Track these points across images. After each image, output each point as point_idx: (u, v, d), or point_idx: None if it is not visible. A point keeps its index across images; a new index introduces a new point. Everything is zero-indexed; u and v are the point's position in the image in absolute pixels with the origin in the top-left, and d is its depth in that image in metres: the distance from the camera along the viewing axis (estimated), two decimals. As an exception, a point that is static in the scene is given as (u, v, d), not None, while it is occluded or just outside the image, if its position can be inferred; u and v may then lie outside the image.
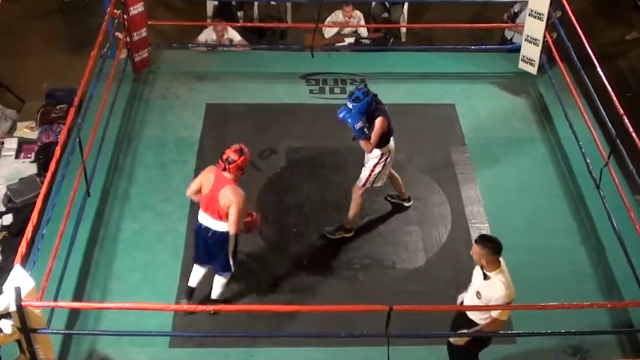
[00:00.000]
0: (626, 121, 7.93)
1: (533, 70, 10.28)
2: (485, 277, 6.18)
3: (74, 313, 7.11)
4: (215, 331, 6.92)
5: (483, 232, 8.00)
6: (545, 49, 10.08)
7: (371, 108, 7.44)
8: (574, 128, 9.04)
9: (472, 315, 6.32)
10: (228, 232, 6.82)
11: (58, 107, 10.24)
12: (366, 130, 7.41)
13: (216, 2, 12.18)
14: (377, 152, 7.69)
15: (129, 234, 8.01)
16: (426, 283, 7.61)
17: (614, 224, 7.98)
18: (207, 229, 6.91)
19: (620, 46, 12.90)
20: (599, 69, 8.60)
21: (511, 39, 11.03)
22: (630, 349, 7.04)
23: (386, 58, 10.82)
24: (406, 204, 8.47)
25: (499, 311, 6.14)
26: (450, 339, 6.48)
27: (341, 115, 7.42)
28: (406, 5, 12.06)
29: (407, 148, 9.01)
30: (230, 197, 6.73)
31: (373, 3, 12.13)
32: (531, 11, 9.96)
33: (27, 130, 10.06)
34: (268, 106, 9.73)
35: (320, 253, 7.88)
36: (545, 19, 9.84)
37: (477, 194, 8.56)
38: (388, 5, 12.06)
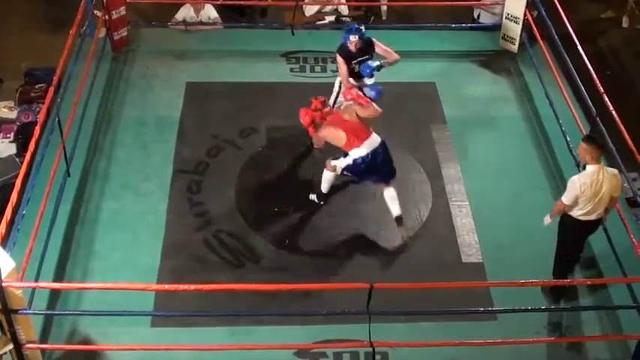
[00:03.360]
0: (606, 99, 7.97)
1: (514, 49, 10.30)
2: (583, 168, 7.01)
3: (55, 294, 7.08)
4: (196, 310, 6.92)
5: (464, 210, 8.06)
6: (526, 28, 10.09)
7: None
8: (554, 107, 9.08)
9: None
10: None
11: (37, 86, 10.15)
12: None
13: (196, -20, 12.10)
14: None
15: (109, 214, 7.98)
16: (407, 261, 7.64)
17: (594, 202, 8.04)
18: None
19: (599, 25, 12.95)
20: (579, 47, 8.64)
21: (478, 17, 11.03)
22: (610, 325, 7.10)
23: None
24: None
25: (565, 193, 6.85)
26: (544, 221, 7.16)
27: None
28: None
29: (387, 127, 8.99)
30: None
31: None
32: (512, -11, 9.98)
33: (5, 110, 9.96)
34: (249, 84, 9.70)
35: (301, 231, 7.88)
36: (525, -3, 9.86)
37: (458, 172, 8.58)
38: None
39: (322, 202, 8.12)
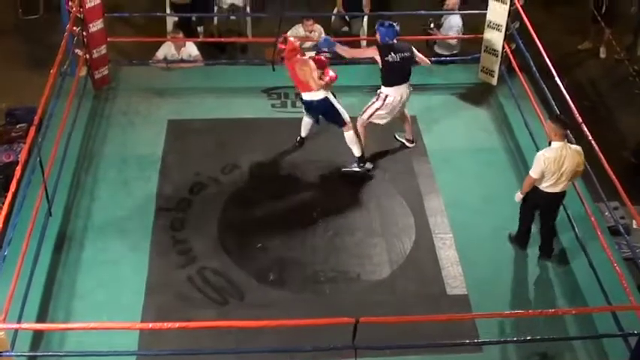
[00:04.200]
0: (585, 129, 8.03)
1: (493, 81, 10.39)
2: (549, 144, 7.51)
3: (38, 335, 7.00)
4: (181, 349, 6.86)
5: (447, 242, 8.07)
6: (504, 60, 10.18)
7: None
8: (534, 137, 9.14)
9: None
10: (325, 98, 8.53)
11: (18, 126, 10.16)
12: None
13: (176, 18, 12.17)
14: (380, 90, 8.77)
15: (92, 252, 7.94)
16: (392, 295, 7.63)
17: (577, 231, 8.08)
18: (308, 101, 8.67)
19: (578, 57, 13.12)
20: (557, 79, 8.72)
21: (434, 44, 11.13)
22: (595, 354, 7.09)
23: (347, 70, 10.79)
24: (409, 144, 9.36)
25: (532, 168, 7.52)
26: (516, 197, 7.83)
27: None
28: (366, 18, 12.14)
29: (370, 161, 9.07)
30: (303, 70, 8.44)
31: (333, 17, 12.20)
32: (490, 22, 10.08)
33: (-14, 150, 9.95)
34: (230, 121, 9.71)
35: (285, 267, 7.85)
36: (503, 30, 9.95)
37: (440, 205, 8.60)
38: (348, 19, 12.14)
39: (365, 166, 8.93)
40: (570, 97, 8.43)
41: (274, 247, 8.07)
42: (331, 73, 8.56)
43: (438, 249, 8.08)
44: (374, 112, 8.79)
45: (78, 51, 9.83)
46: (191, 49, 10.94)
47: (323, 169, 9.00)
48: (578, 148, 7.53)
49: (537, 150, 8.84)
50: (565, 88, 8.57)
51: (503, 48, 10.09)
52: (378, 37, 8.69)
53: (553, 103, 8.87)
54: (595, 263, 7.71)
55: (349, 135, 8.72)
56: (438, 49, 11.10)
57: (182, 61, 10.82)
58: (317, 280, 7.75)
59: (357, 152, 8.82)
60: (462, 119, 9.98)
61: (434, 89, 10.44)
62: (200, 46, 11.26)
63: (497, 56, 10.18)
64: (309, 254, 8.00)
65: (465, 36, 10.89)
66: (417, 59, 8.87)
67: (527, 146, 9.23)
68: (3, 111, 10.56)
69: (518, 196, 7.75)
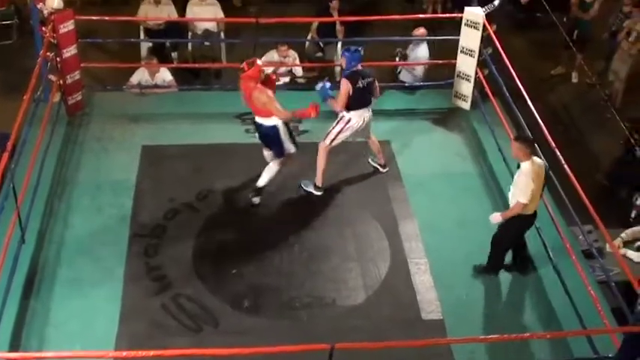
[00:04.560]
0: (558, 153, 8.09)
1: (466, 106, 10.46)
2: (518, 167, 7.49)
3: (10, 364, 6.93)
4: (156, 376, 6.81)
5: (422, 268, 8.08)
6: (478, 85, 10.26)
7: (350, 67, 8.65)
8: (507, 162, 9.18)
9: (511, 202, 7.60)
10: (274, 126, 8.35)
11: (-10, 152, 10.07)
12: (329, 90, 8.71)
13: (150, 44, 12.17)
14: (342, 113, 8.73)
15: (65, 280, 7.87)
16: (368, 320, 7.61)
17: (550, 255, 8.12)
18: (258, 124, 8.51)
19: (551, 82, 13.25)
20: (530, 103, 8.79)
21: (399, 72, 11.19)
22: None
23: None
24: (382, 169, 9.37)
25: (521, 194, 7.35)
26: (493, 219, 7.72)
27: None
28: (339, 44, 12.19)
29: (344, 185, 9.10)
30: (260, 99, 8.27)
31: (307, 43, 12.25)
32: (462, 48, 10.16)
33: (-42, 177, 9.85)
34: (205, 146, 9.69)
35: (260, 293, 7.82)
36: (476, 55, 10.04)
37: (415, 230, 8.61)
38: (322, 45, 12.19)
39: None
40: (543, 122, 8.50)
41: (249, 273, 8.04)
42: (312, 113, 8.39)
43: (413, 274, 8.09)
44: (336, 136, 8.79)
45: (51, 76, 9.80)
46: (165, 75, 10.94)
47: (298, 194, 8.99)
48: (540, 161, 7.63)
49: (511, 174, 8.91)
50: (538, 113, 8.64)
51: (477, 73, 10.17)
52: (343, 62, 8.76)
53: (526, 128, 8.93)
54: (569, 287, 7.75)
55: (273, 166, 8.71)
56: (402, 77, 11.13)
57: (156, 86, 10.82)
58: (292, 306, 7.73)
59: (262, 182, 8.76)
60: (436, 144, 10.03)
61: (408, 114, 10.49)
62: (174, 72, 11.26)
63: (470, 81, 10.26)
64: (285, 280, 7.98)
65: (438, 61, 10.95)
66: (375, 85, 8.89)
67: (500, 171, 9.27)
68: (-25, 137, 10.46)
69: (497, 218, 7.69)
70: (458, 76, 10.38)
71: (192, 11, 12.37)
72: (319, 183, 8.93)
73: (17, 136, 8.21)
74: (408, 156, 9.71)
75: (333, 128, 8.78)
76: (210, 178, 9.15)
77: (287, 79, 11.48)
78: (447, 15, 12.60)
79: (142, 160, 9.39)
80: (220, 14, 12.38)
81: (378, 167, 9.38)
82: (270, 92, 8.33)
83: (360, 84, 8.61)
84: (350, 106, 8.70)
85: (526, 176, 7.36)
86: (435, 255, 8.29)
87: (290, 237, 8.44)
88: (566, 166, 7.93)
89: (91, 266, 8.02)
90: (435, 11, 14.52)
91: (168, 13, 12.26)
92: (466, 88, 10.36)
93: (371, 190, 9.16)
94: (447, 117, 10.47)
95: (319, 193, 8.96)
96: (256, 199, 8.80)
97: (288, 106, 8.41)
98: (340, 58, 8.80)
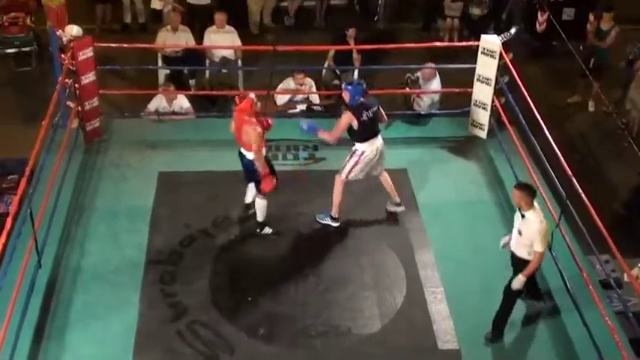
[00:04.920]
0: (575, 182, 8.06)
1: (483, 134, 10.45)
2: (523, 217, 7.26)
3: (26, 389, 6.95)
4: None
5: (438, 296, 8.04)
6: (494, 114, 10.25)
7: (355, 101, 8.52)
8: (524, 191, 9.15)
9: (520, 254, 7.39)
10: (252, 159, 8.33)
11: (9, 177, 10.12)
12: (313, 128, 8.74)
13: (168, 71, 12.24)
14: (355, 146, 8.65)
15: (81, 306, 7.88)
16: (383, 349, 7.58)
17: (568, 285, 8.06)
18: (242, 154, 8.48)
19: (567, 110, 13.21)
20: (546, 132, 8.77)
21: (413, 101, 11.17)
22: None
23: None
24: (399, 209, 9.18)
25: (538, 244, 7.16)
26: (516, 284, 7.38)
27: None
28: (356, 72, 12.23)
29: (360, 214, 9.09)
30: (249, 133, 8.24)
31: (324, 70, 12.29)
32: (479, 76, 10.18)
33: (-24, 202, 9.92)
34: (221, 173, 9.71)
35: (276, 321, 7.81)
36: (492, 84, 10.04)
37: (431, 258, 8.59)
38: (339, 72, 12.23)
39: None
40: (560, 150, 8.48)
41: (265, 301, 8.02)
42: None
43: (429, 302, 8.05)
44: (352, 168, 8.68)
45: (70, 103, 9.87)
46: (183, 102, 11.01)
47: (314, 222, 8.99)
48: (537, 206, 7.41)
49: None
50: (554, 141, 8.62)
51: (493, 101, 10.17)
52: (346, 97, 8.58)
53: (543, 157, 8.91)
54: (586, 317, 7.69)
55: (260, 202, 8.66)
56: (415, 107, 11.11)
57: (174, 113, 10.88)
58: (308, 335, 7.70)
59: (260, 217, 8.76)
60: (453, 172, 10.01)
61: (424, 142, 10.49)
62: (192, 99, 11.33)
63: (486, 110, 10.26)
64: (300, 308, 7.96)
65: (454, 89, 10.95)
66: (380, 112, 8.81)
67: (517, 199, 9.24)
68: (-6, 162, 10.53)
69: (520, 281, 7.34)
70: (474, 104, 10.39)
71: (209, 39, 12.45)
72: (335, 214, 8.90)
73: (35, 162, 8.26)
74: (425, 184, 9.69)
75: (348, 162, 8.71)
76: (227, 205, 9.16)
77: (304, 107, 11.52)
78: (464, 43, 12.62)
79: (158, 187, 9.42)
80: (238, 42, 12.47)
81: (396, 209, 9.20)
82: (260, 129, 8.23)
83: (365, 116, 8.49)
84: (361, 139, 8.62)
85: (539, 226, 7.18)
86: (451, 284, 8.25)
87: (306, 266, 8.43)
88: (583, 195, 7.89)
89: (106, 292, 8.04)
90: (451, 40, 14.57)
91: (186, 40, 12.36)
92: (483, 117, 10.36)
93: (387, 219, 9.14)
94: (463, 145, 10.46)
95: (336, 225, 8.94)
96: (267, 230, 8.79)
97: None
98: (343, 92, 8.65)
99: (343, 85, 8.78)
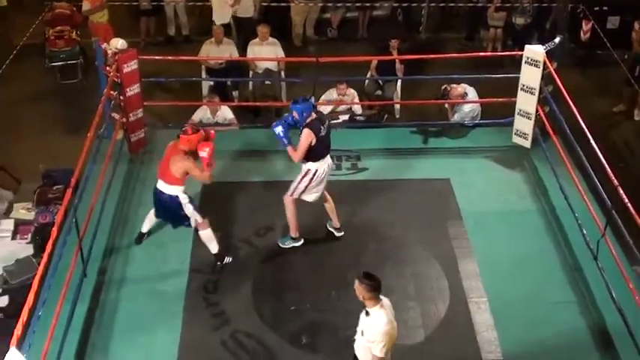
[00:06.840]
0: (621, 192, 7.96)
1: (527, 144, 10.36)
2: (367, 314, 6.24)
3: (71, 397, 7.02)
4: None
5: (482, 307, 7.99)
6: (538, 123, 10.18)
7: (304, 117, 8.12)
8: (569, 200, 9.08)
9: (361, 356, 6.43)
10: (176, 196, 8.08)
11: (54, 188, 10.24)
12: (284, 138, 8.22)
13: (212, 82, 12.34)
14: (307, 166, 8.29)
15: (125, 315, 7.95)
16: (427, 359, 7.54)
17: (613, 295, 7.96)
18: (158, 192, 8.18)
19: (612, 119, 13.07)
20: (592, 141, 8.68)
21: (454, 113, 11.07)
22: None
23: (380, 134, 10.91)
24: (337, 233, 8.87)
25: (378, 348, 6.16)
26: None
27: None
28: (399, 82, 12.23)
29: (403, 223, 9.06)
30: (177, 166, 7.96)
31: (367, 81, 12.32)
32: (523, 86, 10.10)
33: (23, 212, 10.02)
34: (264, 183, 9.77)
35: (318, 330, 7.81)
36: (536, 93, 9.96)
37: (475, 268, 8.53)
38: (381, 83, 12.25)
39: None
40: (605, 160, 8.38)
41: (307, 310, 8.03)
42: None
43: (472, 313, 8.00)
44: (304, 189, 8.40)
45: (115, 114, 9.98)
46: (226, 113, 11.09)
47: (357, 232, 8.99)
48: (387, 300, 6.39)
49: (573, 213, 8.82)
50: (599, 151, 8.53)
51: (537, 111, 10.09)
52: (296, 115, 8.15)
53: (588, 166, 8.82)
54: (632, 327, 7.58)
55: (205, 233, 8.39)
56: (457, 118, 11.03)
57: (217, 124, 10.96)
58: (350, 345, 7.64)
59: (214, 249, 8.48)
60: (496, 182, 9.95)
61: (468, 152, 10.45)
62: (235, 110, 11.41)
63: (530, 119, 10.18)
64: (342, 318, 7.91)
65: (499, 99, 10.89)
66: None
67: (561, 209, 9.18)
68: (40, 173, 10.67)
69: None
70: (518, 113, 10.31)
71: (252, 51, 12.54)
72: (295, 234, 8.73)
73: (81, 172, 8.34)
74: (468, 193, 9.64)
75: (299, 184, 8.38)
76: (270, 215, 9.18)
77: (346, 117, 11.54)
78: (507, 53, 12.57)
79: (202, 197, 9.46)
80: (281, 53, 12.54)
81: (334, 231, 8.92)
82: (191, 165, 8.02)
83: (322, 131, 8.19)
84: (312, 158, 8.26)
85: (384, 327, 6.17)
86: (495, 294, 8.19)
87: (348, 275, 8.38)
88: (629, 204, 7.80)
89: (151, 301, 8.10)
90: (495, 49, 14.50)
91: (230, 52, 12.46)
92: (527, 126, 10.28)
93: (430, 229, 9.10)
94: (507, 155, 10.40)
95: (299, 244, 8.75)
96: (227, 259, 8.54)
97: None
98: (293, 112, 8.15)
99: (290, 105, 8.26)
